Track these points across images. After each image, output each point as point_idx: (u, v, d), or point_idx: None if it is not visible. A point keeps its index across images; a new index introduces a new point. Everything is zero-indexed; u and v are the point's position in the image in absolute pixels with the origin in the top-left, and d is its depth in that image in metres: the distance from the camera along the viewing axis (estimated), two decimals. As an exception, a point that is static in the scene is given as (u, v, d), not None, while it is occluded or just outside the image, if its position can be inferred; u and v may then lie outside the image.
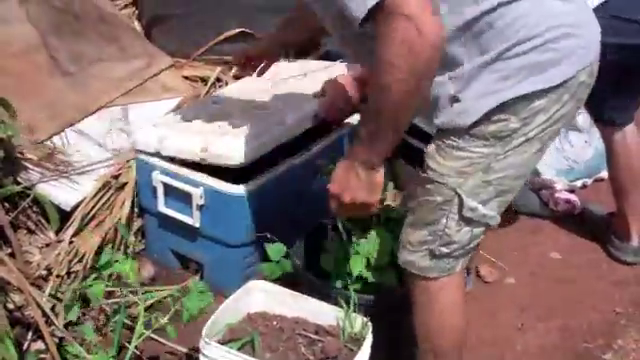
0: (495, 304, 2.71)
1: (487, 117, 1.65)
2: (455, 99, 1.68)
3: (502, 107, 1.64)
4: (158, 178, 2.47)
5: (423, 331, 1.94)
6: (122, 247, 2.61)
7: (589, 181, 3.43)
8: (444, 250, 1.81)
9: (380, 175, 1.68)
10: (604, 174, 3.43)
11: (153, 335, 2.26)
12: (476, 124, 1.66)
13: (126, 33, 3.21)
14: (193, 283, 2.05)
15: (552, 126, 1.70)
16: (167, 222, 2.56)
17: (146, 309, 2.07)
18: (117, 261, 2.07)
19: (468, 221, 1.76)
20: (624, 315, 2.69)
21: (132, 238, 2.67)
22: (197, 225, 2.47)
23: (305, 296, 2.11)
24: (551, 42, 1.63)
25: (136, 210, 2.66)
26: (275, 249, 2.20)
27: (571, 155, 3.33)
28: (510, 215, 3.18)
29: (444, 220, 1.77)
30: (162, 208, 2.52)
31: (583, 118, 3.28)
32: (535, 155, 1.74)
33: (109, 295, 2.33)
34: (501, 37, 1.62)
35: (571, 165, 3.34)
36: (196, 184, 2.41)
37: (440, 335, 1.93)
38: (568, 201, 3.23)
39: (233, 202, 2.39)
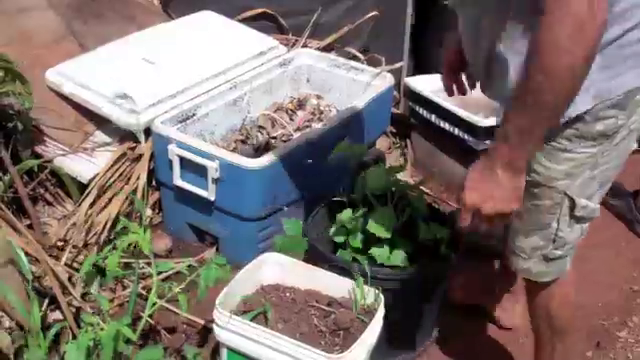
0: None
1: (595, 115, 1.57)
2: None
3: (611, 103, 1.56)
4: (174, 151, 2.47)
5: (544, 314, 1.94)
6: (138, 219, 2.63)
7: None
8: (558, 253, 1.78)
9: (524, 179, 1.48)
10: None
11: (169, 306, 2.30)
12: (585, 124, 1.58)
13: (140, 9, 3.21)
14: (212, 257, 2.07)
15: None
16: (183, 195, 2.58)
17: (162, 281, 2.09)
18: (134, 232, 2.08)
19: (579, 219, 1.72)
20: (641, 293, 2.67)
21: (149, 211, 2.68)
22: (212, 198, 2.49)
23: (318, 268, 2.12)
24: None
25: (153, 183, 2.68)
26: (292, 224, 2.21)
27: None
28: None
29: (555, 224, 1.72)
30: (178, 181, 2.53)
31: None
32: (633, 143, 1.69)
33: (125, 267, 2.36)
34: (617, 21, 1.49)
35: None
36: (212, 157, 2.42)
37: (559, 312, 1.94)
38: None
39: (248, 176, 2.40)
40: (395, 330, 2.12)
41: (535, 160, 1.64)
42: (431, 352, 2.37)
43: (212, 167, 2.41)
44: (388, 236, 2.13)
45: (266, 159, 2.42)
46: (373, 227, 2.13)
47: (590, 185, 1.68)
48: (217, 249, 2.65)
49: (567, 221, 1.72)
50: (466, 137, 2.93)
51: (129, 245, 2.09)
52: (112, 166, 2.56)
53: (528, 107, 1.39)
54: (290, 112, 3.03)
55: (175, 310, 2.32)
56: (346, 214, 2.20)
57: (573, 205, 1.68)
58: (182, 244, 2.71)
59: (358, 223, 2.20)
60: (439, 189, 3.15)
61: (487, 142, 2.89)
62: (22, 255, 2.07)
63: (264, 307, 2.01)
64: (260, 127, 2.93)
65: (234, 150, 2.76)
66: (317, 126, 2.61)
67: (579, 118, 1.57)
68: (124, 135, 2.66)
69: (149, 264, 2.10)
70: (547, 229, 1.73)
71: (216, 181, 2.44)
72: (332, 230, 2.23)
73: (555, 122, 1.46)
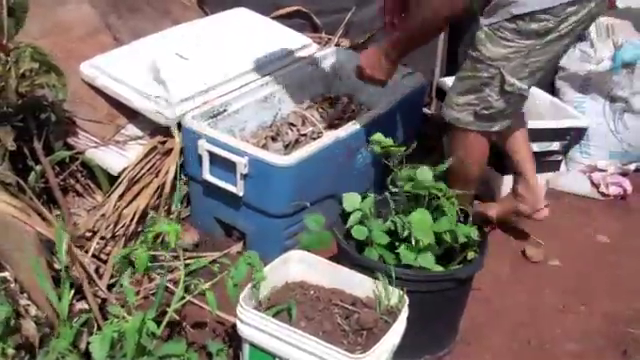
0: (538, 285, 2.68)
1: (532, 16, 2.18)
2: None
3: (546, 10, 2.17)
4: (204, 146, 2.49)
5: (459, 166, 2.44)
6: (166, 213, 2.65)
7: (644, 164, 3.36)
8: (485, 112, 2.38)
9: (395, 67, 2.45)
10: (660, 158, 3.37)
11: (196, 301, 2.30)
12: (524, 22, 2.20)
13: (176, 5, 3.23)
14: (243, 254, 2.06)
15: (580, 25, 2.26)
16: (212, 190, 2.59)
17: (188, 274, 2.10)
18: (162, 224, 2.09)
19: (506, 93, 2.32)
20: (670, 302, 2.63)
21: (177, 205, 2.70)
22: (241, 194, 2.49)
23: (343, 267, 2.12)
24: None
25: (182, 177, 2.69)
26: (314, 219, 2.20)
27: (626, 138, 3.24)
28: (559, 199, 3.14)
29: (487, 90, 2.34)
30: (207, 176, 2.54)
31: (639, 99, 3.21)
32: (564, 46, 2.32)
33: (153, 259, 2.36)
34: None
35: (625, 148, 3.26)
36: (241, 153, 2.42)
37: (469, 171, 2.52)
38: (619, 184, 3.17)
39: (276, 173, 2.40)
40: (419, 331, 2.11)
41: (482, 43, 2.29)
42: (456, 353, 2.35)
43: (241, 163, 2.42)
44: (431, 241, 2.13)
45: (295, 156, 2.43)
46: (417, 231, 2.12)
47: (522, 70, 2.30)
48: (244, 244, 2.66)
49: (496, 91, 2.33)
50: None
51: (156, 238, 2.09)
52: (142, 159, 2.58)
53: (413, 27, 2.33)
54: (321, 110, 3.03)
55: (202, 305, 2.32)
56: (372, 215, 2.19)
57: (503, 81, 2.29)
58: (210, 238, 2.72)
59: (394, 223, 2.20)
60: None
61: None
62: (61, 244, 2.04)
63: (288, 304, 2.01)
64: (291, 124, 2.93)
65: (264, 146, 2.76)
66: (348, 125, 2.60)
67: (520, 17, 2.20)
68: (155, 129, 2.67)
69: (176, 257, 2.10)
70: (480, 93, 2.35)
71: (244, 177, 2.45)
72: (354, 228, 2.21)
73: (428, 41, 2.48)
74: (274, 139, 2.85)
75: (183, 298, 2.02)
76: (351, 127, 2.60)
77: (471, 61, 2.36)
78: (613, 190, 3.15)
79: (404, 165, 2.28)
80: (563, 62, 3.31)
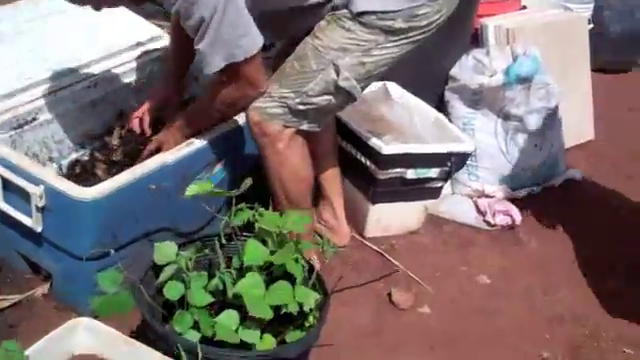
0: (402, 338, 2.30)
1: (380, 15, 1.99)
2: None
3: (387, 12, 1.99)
4: (-7, 166, 2.01)
5: (277, 183, 2.17)
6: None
7: (537, 189, 3.01)
8: (300, 107, 2.07)
9: (184, 139, 2.17)
10: (555, 181, 3.04)
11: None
12: (369, 17, 1.99)
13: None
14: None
15: (429, 32, 2.08)
16: (10, 219, 2.11)
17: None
18: None
19: (338, 89, 2.05)
20: (551, 361, 2.31)
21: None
22: (39, 229, 2.02)
23: (143, 346, 1.69)
24: None
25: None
26: (108, 278, 1.76)
27: (517, 160, 2.89)
28: (439, 227, 2.78)
29: (311, 84, 2.04)
30: (1, 204, 2.07)
31: (535, 118, 2.85)
32: (408, 52, 2.10)
33: None
34: None
35: (516, 172, 2.90)
36: (36, 181, 1.95)
37: (291, 185, 2.18)
38: (507, 213, 2.82)
39: (79, 207, 1.93)
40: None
41: (319, 29, 2.04)
42: None
43: (36, 194, 1.94)
44: (268, 316, 1.72)
45: (101, 188, 1.96)
46: (249, 305, 1.70)
47: (358, 69, 2.05)
48: (51, 285, 2.20)
49: (322, 86, 2.04)
50: (368, 164, 2.50)
51: None
52: None
53: (201, 115, 2.18)
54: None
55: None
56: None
57: (338, 73, 2.02)
58: (11, 275, 2.25)
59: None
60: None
61: (390, 171, 2.48)
62: None
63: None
64: (131, 132, 2.45)
65: (92, 163, 2.31)
66: (182, 145, 2.16)
67: (366, 13, 1.98)
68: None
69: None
70: (302, 87, 2.05)
71: (42, 209, 1.98)
72: (166, 284, 1.79)
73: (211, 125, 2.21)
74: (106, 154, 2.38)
75: None
76: (186, 148, 2.15)
77: (301, 49, 2.08)
78: (500, 220, 2.80)
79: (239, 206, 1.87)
80: (454, 71, 2.93)
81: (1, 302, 2.15)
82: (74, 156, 2.37)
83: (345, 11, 2.01)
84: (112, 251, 1.90)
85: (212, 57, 1.91)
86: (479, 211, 2.84)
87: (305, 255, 1.88)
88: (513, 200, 2.90)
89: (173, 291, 1.80)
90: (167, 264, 1.82)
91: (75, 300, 2.07)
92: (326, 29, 2.03)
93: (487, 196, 2.86)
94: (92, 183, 2.17)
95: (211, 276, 1.85)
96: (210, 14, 1.83)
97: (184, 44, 2.14)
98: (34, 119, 2.21)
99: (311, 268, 1.88)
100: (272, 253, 1.76)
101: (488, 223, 2.81)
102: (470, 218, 2.83)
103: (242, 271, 1.76)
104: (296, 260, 1.78)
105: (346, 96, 2.10)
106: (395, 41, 2.04)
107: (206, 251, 1.91)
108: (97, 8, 2.01)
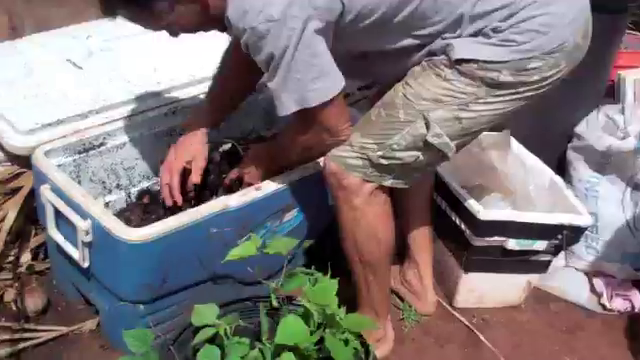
0: None
1: (478, 63, 1.73)
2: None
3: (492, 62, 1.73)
4: (47, 195, 1.87)
5: (351, 243, 1.93)
6: (12, 265, 2.07)
7: (667, 272, 2.60)
8: (382, 161, 1.82)
9: (266, 174, 2.01)
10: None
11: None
12: (471, 66, 1.74)
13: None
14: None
15: (543, 88, 1.79)
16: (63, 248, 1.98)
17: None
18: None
19: (428, 146, 1.79)
20: None
21: (27, 255, 2.11)
22: (85, 265, 1.88)
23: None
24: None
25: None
26: (135, 336, 1.56)
27: (646, 235, 2.50)
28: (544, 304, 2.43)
29: (397, 137, 1.80)
30: (53, 231, 1.94)
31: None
32: (515, 110, 1.82)
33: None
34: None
35: (644, 249, 2.51)
36: (84, 215, 1.80)
37: (366, 246, 1.92)
38: (628, 298, 2.44)
39: (123, 248, 1.76)
40: None
41: (412, 75, 1.80)
42: None
43: (82, 227, 1.79)
44: None
45: (152, 230, 1.78)
46: None
47: (453, 124, 1.78)
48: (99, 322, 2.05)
49: (409, 140, 1.79)
50: (463, 227, 2.20)
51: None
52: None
53: (285, 151, 1.96)
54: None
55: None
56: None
57: (427, 127, 1.77)
58: (64, 304, 2.13)
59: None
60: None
61: (487, 239, 2.17)
62: None
63: None
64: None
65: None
66: (249, 189, 1.96)
67: (472, 61, 1.73)
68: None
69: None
70: (386, 139, 1.80)
71: (89, 245, 1.83)
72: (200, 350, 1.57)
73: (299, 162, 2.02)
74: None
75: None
76: (253, 193, 1.94)
77: (391, 96, 1.84)
78: (618, 304, 2.42)
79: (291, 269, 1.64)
80: (580, 129, 2.58)
81: (47, 333, 2.03)
82: (145, 185, 2.22)
83: (443, 57, 1.77)
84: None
85: (284, 98, 1.70)
86: (594, 291, 2.47)
87: (365, 337, 1.62)
88: (636, 283, 2.51)
89: (208, 358, 1.59)
90: (202, 327, 1.61)
91: (120, 342, 1.89)
92: (419, 76, 1.79)
93: (605, 275, 2.48)
94: (158, 216, 2.03)
95: (255, 342, 1.63)
96: (280, 52, 1.61)
97: (242, 70, 1.97)
98: (102, 144, 2.07)
99: (367, 354, 1.61)
100: (313, 332, 1.50)
101: (603, 306, 2.43)
102: (582, 298, 2.46)
103: (279, 348, 1.52)
104: (345, 342, 1.52)
105: (437, 154, 1.83)
106: (500, 96, 1.78)
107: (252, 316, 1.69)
108: (174, 34, 1.84)
